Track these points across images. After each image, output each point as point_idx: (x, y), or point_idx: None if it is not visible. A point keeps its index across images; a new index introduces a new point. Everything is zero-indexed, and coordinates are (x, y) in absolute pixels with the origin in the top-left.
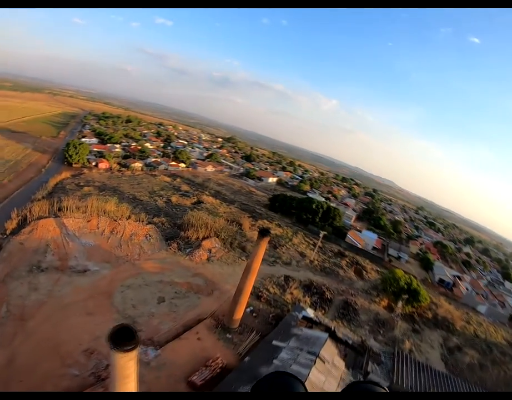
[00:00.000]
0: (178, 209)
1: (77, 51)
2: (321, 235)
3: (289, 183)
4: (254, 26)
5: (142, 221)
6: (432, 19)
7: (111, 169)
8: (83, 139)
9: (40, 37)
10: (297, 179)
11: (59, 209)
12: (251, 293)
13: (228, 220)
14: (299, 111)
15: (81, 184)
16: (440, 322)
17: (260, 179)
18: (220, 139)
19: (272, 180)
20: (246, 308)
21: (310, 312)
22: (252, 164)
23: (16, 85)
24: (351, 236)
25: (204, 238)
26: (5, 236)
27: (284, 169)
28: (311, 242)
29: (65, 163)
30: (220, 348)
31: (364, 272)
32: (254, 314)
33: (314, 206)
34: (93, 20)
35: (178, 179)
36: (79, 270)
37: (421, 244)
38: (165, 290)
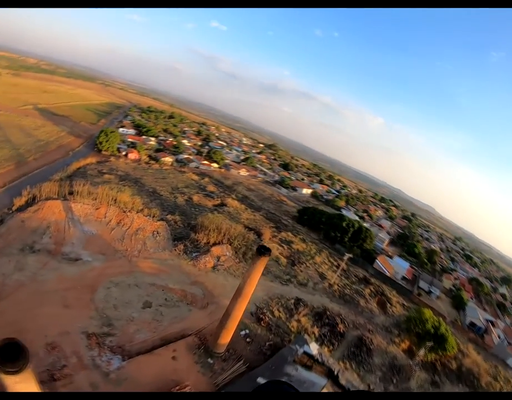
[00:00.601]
0: (197, 209)
1: (133, 47)
2: (345, 257)
3: (324, 196)
4: (306, 36)
5: (154, 216)
6: (484, 42)
7: (139, 160)
8: (121, 129)
9: (100, 30)
10: (334, 193)
11: (70, 193)
12: (251, 314)
13: (248, 228)
14: (345, 125)
15: (104, 171)
16: (465, 375)
17: (294, 188)
18: (261, 145)
19: (306, 191)
20: (241, 330)
21: (313, 347)
22: (289, 173)
23: (70, 73)
24: (380, 262)
25: (215, 244)
26: (10, 211)
27: (321, 182)
28: (335, 263)
29: (95, 149)
30: (194, 374)
31: (388, 305)
32: (248, 339)
33: (344, 224)
34: (151, 19)
35: (206, 179)
36: (71, 257)
37: (455, 279)
38: (155, 294)
